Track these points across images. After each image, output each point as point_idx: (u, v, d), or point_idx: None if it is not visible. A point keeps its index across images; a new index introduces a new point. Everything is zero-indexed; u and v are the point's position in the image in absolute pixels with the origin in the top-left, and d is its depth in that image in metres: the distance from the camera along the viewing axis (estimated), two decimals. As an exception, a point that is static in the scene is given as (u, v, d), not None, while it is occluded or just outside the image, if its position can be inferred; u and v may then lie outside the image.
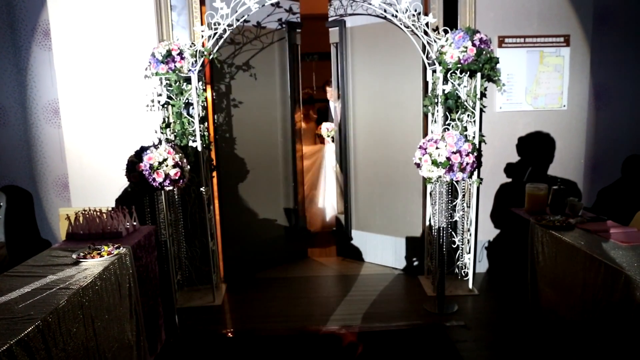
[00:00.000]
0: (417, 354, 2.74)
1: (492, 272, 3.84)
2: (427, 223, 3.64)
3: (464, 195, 3.57)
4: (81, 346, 1.82)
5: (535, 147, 3.76)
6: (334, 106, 4.78)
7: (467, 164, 2.95)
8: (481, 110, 3.55)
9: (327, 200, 5.09)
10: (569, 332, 2.30)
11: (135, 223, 2.75)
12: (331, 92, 4.87)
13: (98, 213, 2.68)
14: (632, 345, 1.84)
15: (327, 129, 5.08)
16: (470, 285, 3.56)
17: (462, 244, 3.62)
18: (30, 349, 1.51)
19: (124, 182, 3.67)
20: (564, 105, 3.75)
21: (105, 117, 3.67)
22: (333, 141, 4.94)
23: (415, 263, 3.95)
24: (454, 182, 3.49)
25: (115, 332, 2.14)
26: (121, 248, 2.32)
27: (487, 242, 3.83)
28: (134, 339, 2.33)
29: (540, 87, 3.71)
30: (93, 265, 2.11)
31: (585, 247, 2.19)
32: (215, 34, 3.28)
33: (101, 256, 2.19)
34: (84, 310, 1.87)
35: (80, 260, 2.15)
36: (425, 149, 2.99)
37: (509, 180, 3.80)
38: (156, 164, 2.84)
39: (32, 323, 1.56)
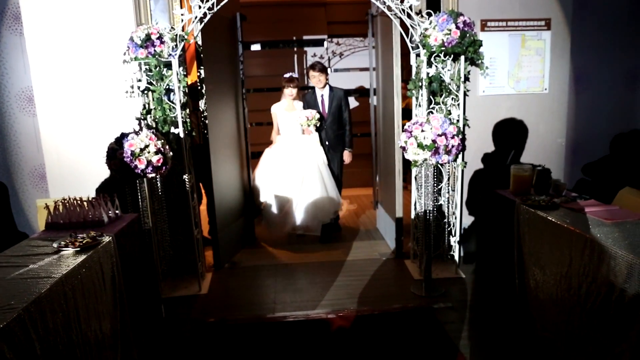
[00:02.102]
0: (406, 336, 2.75)
1: (469, 256, 3.87)
2: (413, 207, 3.65)
3: (449, 179, 3.58)
4: (65, 336, 1.76)
5: (516, 133, 3.79)
6: (321, 94, 4.49)
7: (453, 146, 2.96)
8: (465, 94, 3.56)
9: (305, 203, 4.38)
10: (556, 309, 2.33)
11: (117, 211, 2.68)
12: (318, 78, 4.42)
13: (79, 202, 2.60)
14: (616, 321, 1.87)
15: (307, 117, 4.35)
16: (457, 269, 3.59)
17: (447, 227, 3.64)
18: (12, 339, 1.45)
19: (104, 172, 3.55)
20: (545, 89, 3.79)
21: (83, 105, 3.55)
22: (317, 130, 4.47)
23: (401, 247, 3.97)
24: (439, 165, 3.49)
25: (99, 322, 2.08)
26: (104, 236, 2.26)
27: (463, 229, 3.86)
28: (119, 328, 2.28)
29: (522, 71, 3.74)
30: (75, 254, 2.04)
31: (571, 224, 2.21)
32: (195, 17, 3.20)
33: (83, 244, 2.12)
34: (67, 299, 1.81)
35: (62, 249, 2.08)
36: (410, 132, 2.98)
37: (481, 167, 3.83)
38: (138, 150, 2.77)
39: (14, 313, 1.50)
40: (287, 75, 4.53)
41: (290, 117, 4.46)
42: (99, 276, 2.12)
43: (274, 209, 4.42)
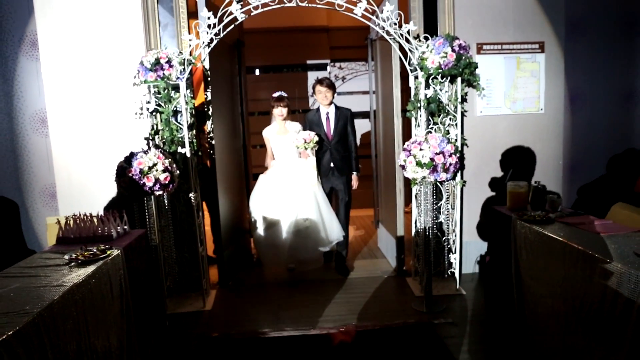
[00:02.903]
0: (407, 351, 2.78)
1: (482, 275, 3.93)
2: (414, 225, 3.71)
3: (448, 197, 3.66)
4: (74, 344, 1.83)
5: (517, 155, 3.89)
6: (326, 112, 4.15)
7: (450, 164, 3.05)
8: (462, 115, 3.68)
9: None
10: (554, 321, 2.37)
11: (126, 227, 2.77)
12: (325, 94, 4.07)
13: (89, 218, 2.69)
14: (610, 330, 1.92)
15: (305, 139, 3.91)
16: (457, 285, 3.63)
17: (447, 245, 3.70)
18: (26, 342, 1.53)
19: (112, 191, 3.70)
20: (541, 109, 3.90)
21: (94, 126, 3.69)
22: (319, 151, 4.08)
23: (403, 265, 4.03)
24: (438, 183, 3.58)
25: (107, 332, 2.15)
26: (113, 249, 2.34)
27: (480, 255, 3.93)
28: (124, 339, 2.34)
29: (518, 92, 3.86)
30: (85, 265, 2.13)
31: (565, 237, 2.28)
32: (203, 42, 3.36)
33: (93, 257, 2.21)
34: (77, 307, 1.89)
35: (73, 260, 2.16)
36: (409, 151, 3.08)
37: (494, 194, 3.92)
38: (146, 168, 2.88)
39: (29, 317, 1.58)
40: (275, 94, 4.14)
41: (282, 141, 4.09)
42: (108, 287, 2.20)
43: (266, 243, 3.99)
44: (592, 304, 2.03)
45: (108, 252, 2.29)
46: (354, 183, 4.27)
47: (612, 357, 1.92)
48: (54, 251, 2.40)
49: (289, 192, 3.98)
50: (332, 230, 4.02)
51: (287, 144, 4.07)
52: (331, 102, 4.17)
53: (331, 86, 4.13)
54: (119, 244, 2.48)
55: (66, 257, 2.21)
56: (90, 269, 2.09)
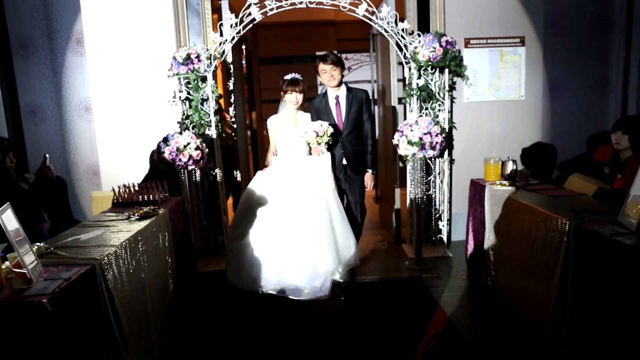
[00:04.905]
0: (400, 298, 3.36)
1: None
2: (408, 197, 4.27)
3: (438, 173, 4.21)
4: (136, 275, 2.43)
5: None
6: (335, 96, 3.44)
7: (437, 143, 3.60)
8: (451, 101, 4.21)
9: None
10: (514, 264, 2.92)
11: (166, 194, 3.36)
12: (330, 73, 3.37)
13: (136, 187, 3.29)
14: (550, 264, 2.46)
15: (317, 132, 3.23)
16: (446, 249, 4.20)
17: (436, 214, 4.26)
18: (116, 260, 2.13)
19: (147, 168, 4.30)
20: (522, 96, 4.41)
21: (131, 112, 4.28)
22: (330, 146, 3.38)
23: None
24: (428, 160, 4.13)
25: (157, 273, 2.75)
26: (160, 209, 2.94)
27: None
28: (168, 282, 2.94)
29: (501, 81, 4.38)
30: (141, 220, 2.73)
31: (522, 199, 2.83)
32: (225, 40, 3.92)
33: (146, 214, 2.80)
34: (139, 248, 2.48)
35: (131, 216, 2.76)
36: (402, 132, 3.63)
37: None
38: (182, 146, 3.47)
39: (111, 249, 2.17)
40: (288, 76, 3.42)
41: (291, 133, 3.42)
42: (157, 238, 2.80)
43: (250, 258, 3.32)
44: (539, 247, 2.59)
45: (157, 211, 2.88)
46: (368, 183, 3.54)
47: (549, 287, 2.48)
48: (113, 212, 3.00)
49: (292, 196, 3.29)
50: (347, 249, 3.25)
51: (295, 137, 3.40)
52: (341, 83, 3.44)
53: (338, 62, 3.37)
54: (163, 206, 3.07)
55: (126, 214, 2.81)
56: (145, 222, 2.69)
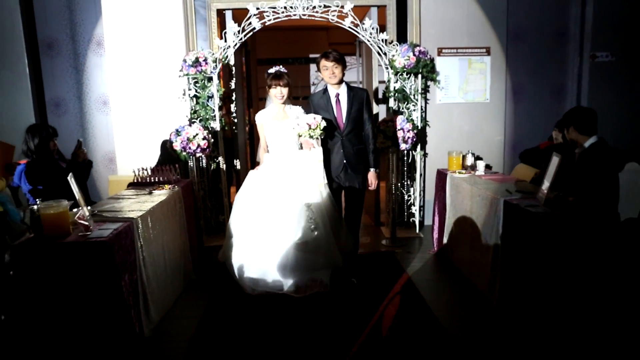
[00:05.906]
0: (375, 268, 3.98)
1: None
2: (385, 185, 4.90)
3: (411, 164, 4.85)
4: (161, 238, 3.04)
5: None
6: (336, 94, 3.41)
7: (409, 137, 4.23)
8: (425, 102, 4.84)
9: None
10: (465, 240, 3.56)
11: (178, 176, 3.96)
12: (332, 70, 3.33)
13: (151, 170, 3.89)
14: (489, 238, 3.09)
15: (309, 124, 3.21)
16: (417, 230, 4.84)
17: (411, 199, 4.90)
18: (146, 221, 2.73)
19: (158, 155, 4.90)
20: (487, 99, 5.05)
21: (144, 107, 4.86)
22: (324, 141, 3.37)
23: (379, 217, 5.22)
24: (404, 153, 4.75)
25: (174, 237, 3.36)
26: (175, 187, 3.54)
27: None
28: (182, 249, 3.55)
29: (469, 85, 5.01)
30: (162, 194, 3.33)
31: (470, 184, 3.46)
32: (228, 46, 4.52)
33: (165, 189, 3.40)
34: (163, 216, 3.09)
35: (152, 191, 3.37)
36: (378, 127, 4.26)
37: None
38: (191, 137, 4.08)
39: (144, 212, 2.78)
40: (272, 70, 3.41)
41: (280, 127, 3.42)
42: (174, 210, 3.40)
43: (246, 257, 3.34)
44: (482, 223, 3.23)
45: (173, 188, 3.49)
46: (371, 181, 3.53)
47: (487, 254, 3.11)
48: (132, 189, 3.59)
49: (285, 192, 3.31)
50: (336, 248, 3.35)
51: (285, 132, 3.40)
52: (341, 81, 3.42)
53: (340, 60, 3.35)
54: (177, 185, 3.68)
55: (147, 189, 3.41)
56: (164, 196, 3.29)
